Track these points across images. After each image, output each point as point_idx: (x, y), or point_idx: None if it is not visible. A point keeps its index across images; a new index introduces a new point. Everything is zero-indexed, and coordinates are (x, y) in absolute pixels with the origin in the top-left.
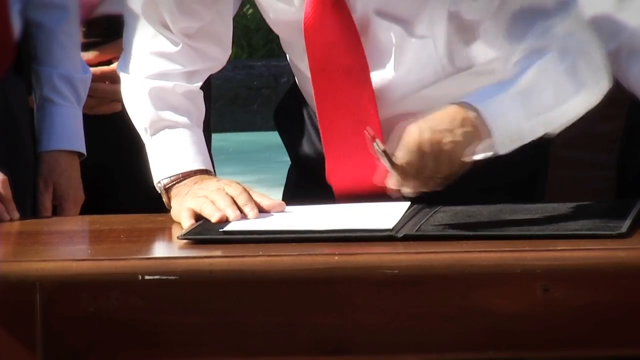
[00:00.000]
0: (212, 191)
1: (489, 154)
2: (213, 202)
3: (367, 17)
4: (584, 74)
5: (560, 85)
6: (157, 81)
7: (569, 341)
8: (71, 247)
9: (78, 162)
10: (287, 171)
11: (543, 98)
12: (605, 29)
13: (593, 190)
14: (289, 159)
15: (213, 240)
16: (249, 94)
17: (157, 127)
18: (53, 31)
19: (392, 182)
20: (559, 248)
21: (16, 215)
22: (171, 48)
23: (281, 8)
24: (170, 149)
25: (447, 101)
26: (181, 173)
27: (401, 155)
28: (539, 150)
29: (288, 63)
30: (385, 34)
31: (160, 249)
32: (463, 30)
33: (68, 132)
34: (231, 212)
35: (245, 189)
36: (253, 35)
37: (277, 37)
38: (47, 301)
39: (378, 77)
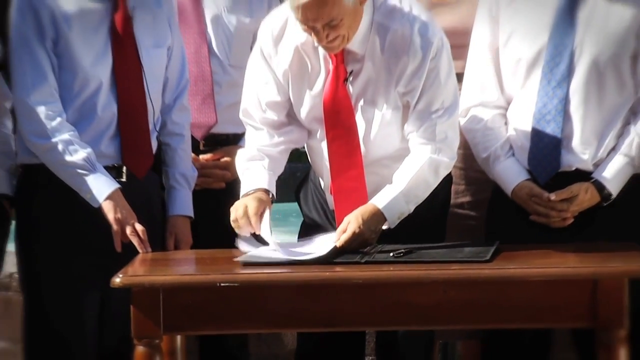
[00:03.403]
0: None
1: (387, 227)
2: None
3: (356, 102)
4: (441, 171)
5: (427, 184)
6: (253, 154)
7: (458, 319)
8: (180, 267)
9: (189, 222)
10: (299, 225)
11: (417, 193)
12: (480, 143)
13: (474, 233)
14: (296, 219)
15: (258, 263)
16: (277, 182)
17: (246, 158)
18: (175, 149)
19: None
20: (452, 268)
21: (149, 249)
22: (262, 131)
23: (310, 101)
24: (245, 178)
25: (400, 156)
26: (245, 193)
27: (346, 236)
28: (443, 211)
29: (302, 165)
30: (368, 110)
31: (229, 268)
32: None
33: (183, 205)
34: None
35: (243, 216)
36: None
37: (294, 151)
38: (166, 298)
39: (363, 138)
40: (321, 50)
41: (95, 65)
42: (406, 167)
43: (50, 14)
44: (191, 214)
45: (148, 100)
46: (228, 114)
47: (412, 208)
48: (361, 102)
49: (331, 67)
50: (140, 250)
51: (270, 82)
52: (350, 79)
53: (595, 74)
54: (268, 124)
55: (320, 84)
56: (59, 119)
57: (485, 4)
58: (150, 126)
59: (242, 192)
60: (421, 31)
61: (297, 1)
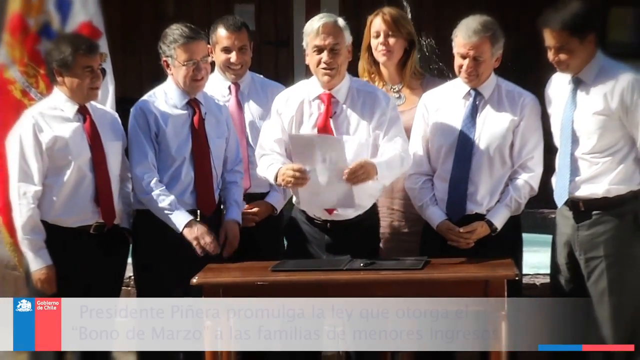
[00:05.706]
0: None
1: (376, 178)
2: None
3: (336, 132)
4: (405, 164)
5: (398, 164)
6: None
7: (403, 304)
8: (232, 273)
9: (237, 226)
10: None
11: (393, 166)
12: (417, 196)
13: (410, 251)
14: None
15: (283, 270)
16: None
17: (267, 164)
18: (234, 192)
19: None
20: (399, 273)
21: (218, 250)
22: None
23: (308, 131)
24: (270, 171)
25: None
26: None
27: (357, 164)
28: (374, 233)
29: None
30: (350, 141)
31: (263, 273)
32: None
33: (235, 214)
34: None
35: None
36: None
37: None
38: (224, 291)
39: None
40: (316, 101)
41: (181, 149)
42: (386, 151)
43: (154, 117)
44: (240, 220)
45: (213, 170)
46: (257, 181)
47: (386, 175)
48: (339, 131)
49: (322, 108)
50: (211, 251)
51: (277, 127)
52: (334, 115)
53: (487, 157)
54: (274, 152)
55: (314, 119)
56: (154, 181)
57: (420, 112)
58: (215, 186)
59: (270, 173)
60: (383, 93)
61: (318, 24)
